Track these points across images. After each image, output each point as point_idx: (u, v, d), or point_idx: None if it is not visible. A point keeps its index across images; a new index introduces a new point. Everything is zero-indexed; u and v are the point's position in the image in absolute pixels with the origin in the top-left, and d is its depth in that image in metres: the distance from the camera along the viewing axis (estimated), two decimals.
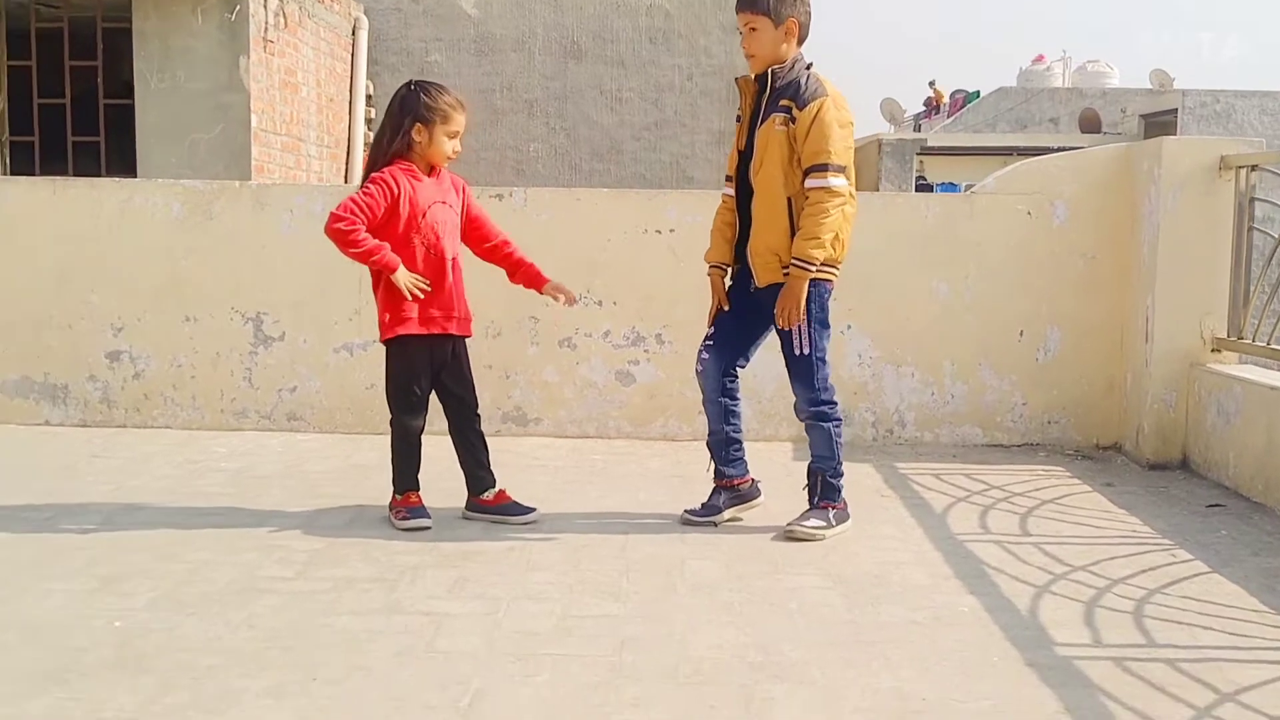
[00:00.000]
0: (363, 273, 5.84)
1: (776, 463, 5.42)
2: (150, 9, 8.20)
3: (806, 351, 4.18)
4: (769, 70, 4.13)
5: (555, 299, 4.58)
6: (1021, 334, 5.88)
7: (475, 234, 4.54)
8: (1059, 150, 6.79)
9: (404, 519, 4.28)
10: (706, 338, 4.37)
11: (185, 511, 4.42)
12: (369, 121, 11.19)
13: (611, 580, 3.72)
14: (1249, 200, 5.35)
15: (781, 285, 4.13)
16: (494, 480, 4.43)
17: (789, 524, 4.23)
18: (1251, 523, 4.54)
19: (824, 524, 4.24)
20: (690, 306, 5.55)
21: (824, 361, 4.24)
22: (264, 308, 5.95)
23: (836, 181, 4.03)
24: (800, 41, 4.18)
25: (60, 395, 6.00)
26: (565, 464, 5.38)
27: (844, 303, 5.84)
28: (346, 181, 10.42)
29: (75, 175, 7.41)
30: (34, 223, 5.99)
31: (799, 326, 4.14)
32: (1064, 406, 5.90)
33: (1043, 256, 5.85)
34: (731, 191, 4.33)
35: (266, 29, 8.51)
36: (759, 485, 4.51)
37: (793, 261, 4.06)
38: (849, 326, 5.87)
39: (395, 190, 4.19)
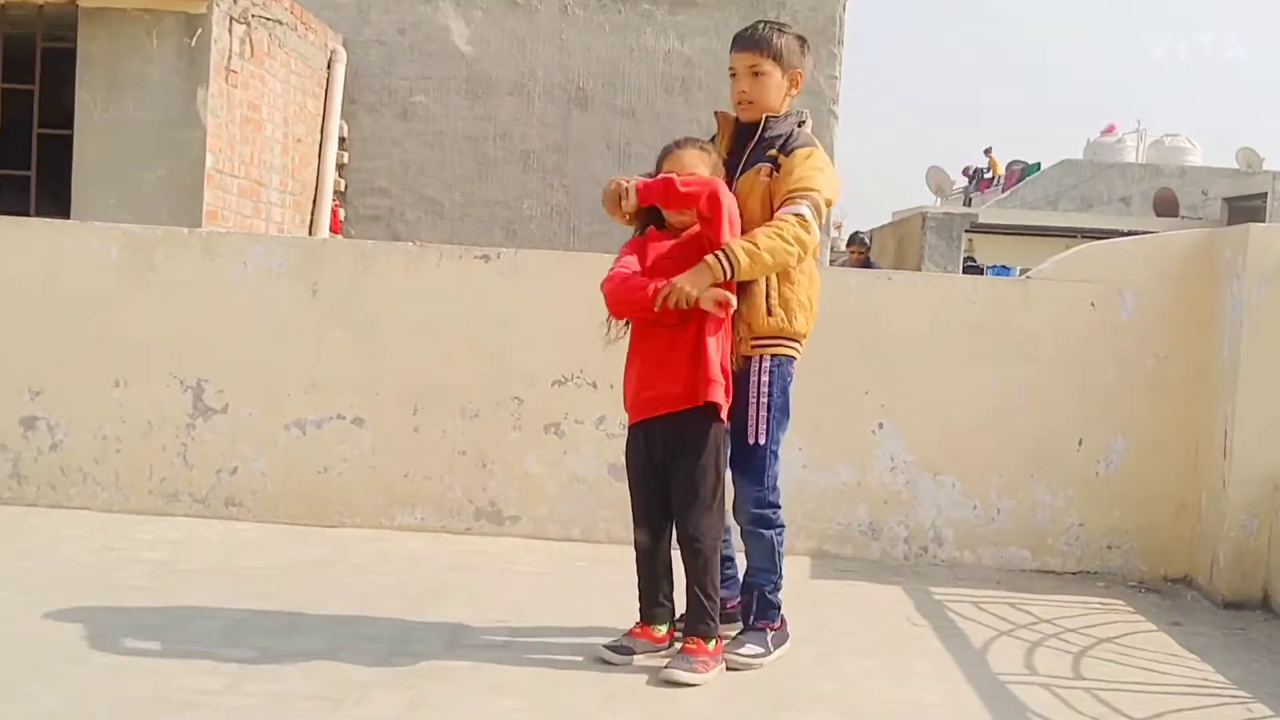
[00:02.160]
0: (322, 341, 5.89)
1: (792, 579, 5.37)
2: (98, 28, 8.31)
3: (762, 441, 4.16)
4: (764, 119, 4.21)
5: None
6: (1080, 443, 5.87)
7: None
8: (1129, 234, 6.84)
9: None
10: None
11: (100, 608, 4.38)
12: (340, 167, 11.28)
13: (590, 712, 3.67)
14: None
15: (748, 359, 4.15)
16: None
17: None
18: None
19: (762, 650, 4.19)
20: None
21: (777, 456, 4.23)
22: (206, 374, 5.95)
23: (808, 213, 4.03)
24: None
25: None
26: (544, 571, 5.34)
27: (876, 398, 5.87)
28: (311, 233, 10.48)
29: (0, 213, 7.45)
30: None
31: (755, 410, 4.13)
32: (1127, 530, 5.87)
33: (1107, 354, 5.86)
34: None
35: (230, 58, 8.62)
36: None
37: (713, 254, 3.95)
38: (880, 425, 5.87)
39: None
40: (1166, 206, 26.24)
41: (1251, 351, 5.43)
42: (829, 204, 4.18)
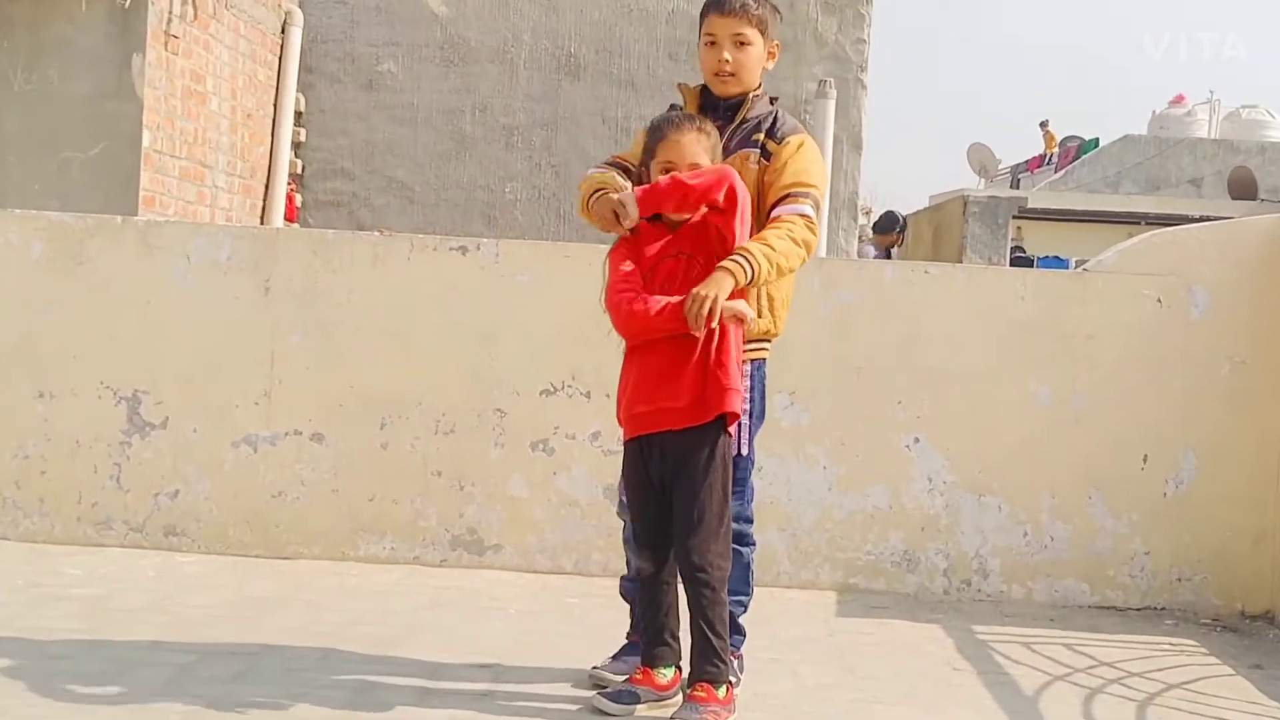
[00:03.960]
0: (276, 345, 5.90)
1: (816, 617, 5.38)
2: None
3: (745, 452, 4.27)
4: (747, 96, 4.31)
5: None
6: (1146, 460, 5.87)
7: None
8: (1201, 220, 6.84)
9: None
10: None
11: (22, 652, 4.37)
12: (296, 146, 11.28)
13: None
14: None
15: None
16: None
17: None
18: None
19: (735, 681, 4.21)
20: None
21: (754, 465, 4.41)
22: (144, 384, 5.95)
23: (812, 213, 4.15)
24: None
25: None
26: (530, 608, 5.34)
27: (911, 409, 5.87)
28: (264, 222, 10.47)
29: None
30: None
31: (741, 422, 4.17)
32: (1200, 559, 5.87)
33: (1176, 358, 5.87)
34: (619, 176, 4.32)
35: (170, 21, 8.62)
36: None
37: (731, 259, 3.96)
38: (916, 439, 5.87)
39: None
40: (1243, 188, 26.21)
41: None
42: (822, 201, 4.30)
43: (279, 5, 10.77)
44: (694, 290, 3.90)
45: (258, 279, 5.97)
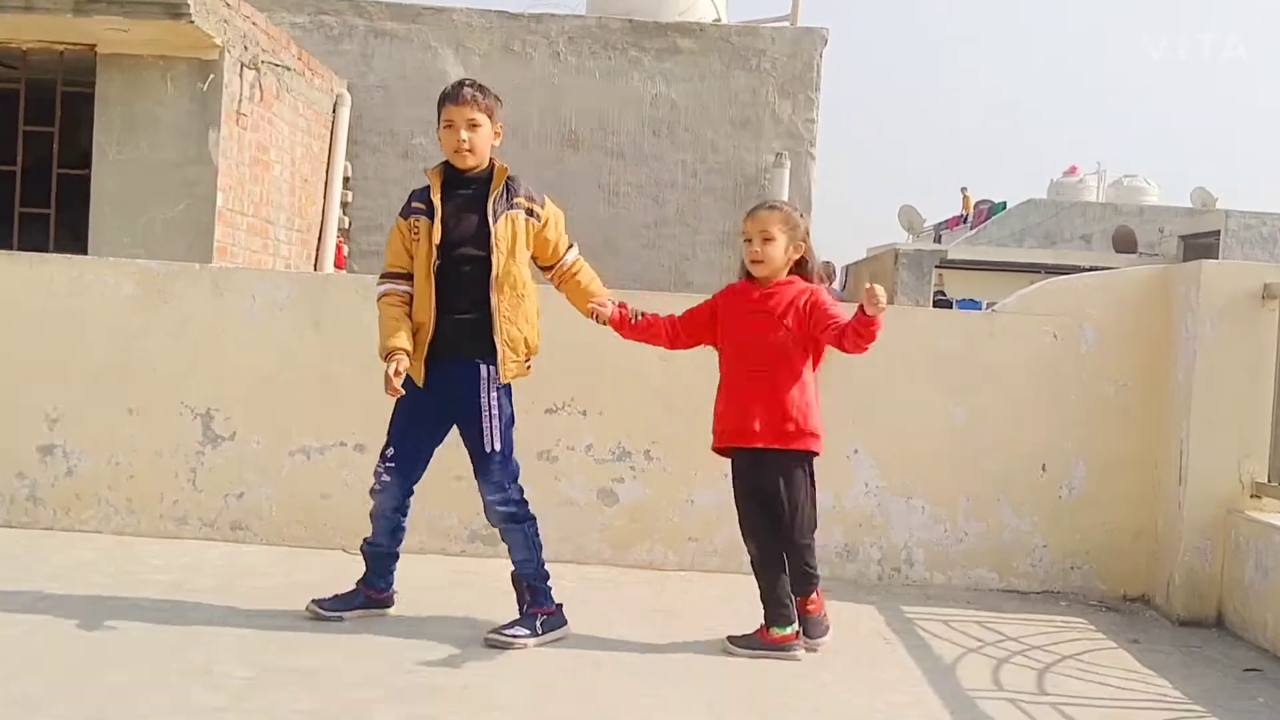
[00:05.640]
0: (326, 370, 5.88)
1: (708, 595, 5.36)
2: (115, 73, 8.31)
3: (498, 448, 4.44)
4: (489, 168, 4.52)
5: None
6: (1044, 468, 5.87)
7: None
8: (1090, 270, 6.86)
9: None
10: (387, 456, 4.61)
11: (111, 627, 4.35)
12: (345, 205, 11.28)
13: None
14: None
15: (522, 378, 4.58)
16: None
17: (490, 632, 4.42)
18: None
19: (528, 633, 4.43)
20: (683, 420, 5.55)
21: (510, 457, 4.52)
22: (215, 403, 5.93)
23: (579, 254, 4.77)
24: None
25: None
26: None
27: (851, 425, 5.86)
28: (316, 268, 10.46)
29: (21, 249, 7.44)
30: None
31: (490, 420, 4.41)
32: (1088, 551, 5.86)
33: (1069, 384, 5.87)
34: (402, 287, 4.52)
35: (240, 102, 8.63)
36: (395, 596, 4.79)
37: (598, 304, 4.69)
38: (855, 451, 5.86)
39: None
40: (1125, 243, 26.34)
41: (1205, 382, 5.44)
42: None
43: (331, 89, 10.78)
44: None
45: (311, 316, 5.96)
